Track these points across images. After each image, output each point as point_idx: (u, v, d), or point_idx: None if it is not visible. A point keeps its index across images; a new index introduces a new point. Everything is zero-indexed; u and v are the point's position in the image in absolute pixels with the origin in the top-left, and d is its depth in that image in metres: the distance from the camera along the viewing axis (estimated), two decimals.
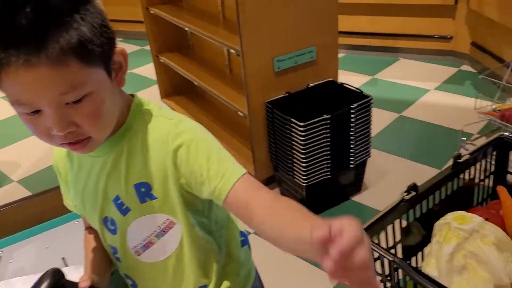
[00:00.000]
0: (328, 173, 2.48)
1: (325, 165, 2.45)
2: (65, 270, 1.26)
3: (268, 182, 2.85)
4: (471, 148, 2.83)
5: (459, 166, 1.05)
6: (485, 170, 1.14)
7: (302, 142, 2.31)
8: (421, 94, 3.83)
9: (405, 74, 4.23)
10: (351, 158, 2.53)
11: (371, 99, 2.47)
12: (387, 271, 0.87)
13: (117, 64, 0.83)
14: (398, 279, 0.90)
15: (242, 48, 2.39)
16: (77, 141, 0.80)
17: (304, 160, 2.36)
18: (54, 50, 0.69)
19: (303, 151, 2.34)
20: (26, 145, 3.62)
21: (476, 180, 1.12)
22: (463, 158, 1.04)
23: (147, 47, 3.67)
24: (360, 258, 0.54)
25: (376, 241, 0.89)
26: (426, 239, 1.00)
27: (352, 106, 2.39)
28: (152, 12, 3.50)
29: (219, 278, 1.02)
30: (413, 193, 0.93)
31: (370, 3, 4.39)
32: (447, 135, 3.20)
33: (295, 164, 2.44)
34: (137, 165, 0.89)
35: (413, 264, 1.04)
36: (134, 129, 0.89)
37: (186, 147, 0.85)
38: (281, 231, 0.74)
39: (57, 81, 0.71)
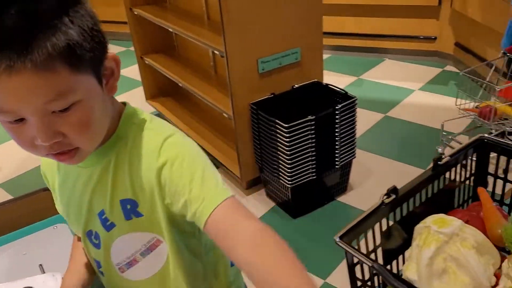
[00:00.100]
0: (313, 174, 2.47)
1: (310, 166, 2.44)
2: (42, 277, 1.24)
3: (254, 183, 2.85)
4: (453, 143, 2.91)
5: (439, 168, 1.05)
6: (466, 171, 1.13)
7: (287, 143, 2.31)
8: (406, 94, 3.85)
9: (390, 74, 4.24)
10: (336, 159, 2.53)
11: (356, 100, 2.47)
12: (367, 276, 0.87)
13: (108, 70, 0.78)
14: (379, 284, 0.90)
15: (226, 49, 2.38)
16: (64, 152, 0.75)
17: (289, 161, 2.36)
18: (40, 54, 0.64)
19: (288, 152, 2.33)
20: (8, 148, 3.57)
21: (457, 182, 1.12)
22: (444, 160, 1.04)
23: (132, 48, 3.64)
24: None
25: (356, 246, 0.88)
26: (407, 242, 0.99)
27: (337, 107, 2.39)
28: (136, 13, 3.47)
29: None
30: (393, 196, 0.93)
31: (354, 4, 4.40)
32: (432, 135, 3.21)
33: (280, 165, 2.43)
34: (123, 180, 0.84)
35: (394, 267, 1.03)
36: (123, 141, 0.85)
37: (170, 165, 0.80)
38: (263, 277, 0.69)
39: (43, 88, 0.66)
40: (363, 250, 0.90)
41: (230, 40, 2.36)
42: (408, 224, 0.99)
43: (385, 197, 0.92)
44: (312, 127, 2.33)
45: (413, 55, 4.44)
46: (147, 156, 0.82)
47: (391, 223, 0.97)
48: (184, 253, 0.91)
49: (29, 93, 0.66)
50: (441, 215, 0.95)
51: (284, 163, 2.40)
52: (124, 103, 0.89)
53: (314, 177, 2.49)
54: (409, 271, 0.90)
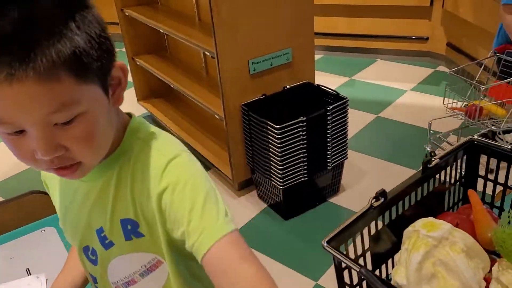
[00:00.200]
0: (305, 175, 2.47)
1: (302, 167, 2.43)
2: (26, 280, 1.23)
3: (246, 184, 2.84)
4: (444, 145, 2.91)
5: (429, 170, 1.04)
6: (456, 173, 1.13)
7: (278, 145, 2.30)
8: (398, 95, 3.85)
9: (382, 75, 4.25)
10: (328, 160, 2.53)
11: (347, 100, 2.47)
12: (355, 281, 0.86)
13: (115, 80, 0.74)
14: None
15: (217, 50, 2.37)
16: (65, 167, 0.71)
17: (280, 163, 2.35)
18: (44, 62, 0.59)
19: (279, 154, 2.32)
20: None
21: (447, 184, 1.11)
22: (433, 162, 1.03)
23: (123, 49, 3.62)
24: None
25: (344, 250, 0.87)
26: (397, 246, 0.98)
27: (328, 108, 2.38)
28: (127, 13, 3.45)
29: None
30: (382, 200, 0.92)
31: (346, 4, 4.40)
32: (424, 135, 3.21)
33: (272, 167, 2.42)
34: (125, 199, 0.80)
35: (384, 272, 1.02)
36: (126, 157, 0.80)
37: (171, 190, 0.75)
38: None
39: (45, 99, 0.61)
40: (352, 254, 0.90)
41: (220, 41, 2.35)
42: (397, 228, 0.98)
43: (373, 200, 0.91)
44: (304, 128, 2.33)
45: (405, 55, 4.44)
46: (150, 178, 0.77)
47: (380, 226, 0.96)
48: (185, 275, 0.87)
49: (31, 103, 0.61)
50: (430, 219, 0.94)
51: (275, 165, 2.39)
52: (129, 115, 0.84)
53: (305, 179, 2.48)
54: (398, 276, 0.89)
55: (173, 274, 0.85)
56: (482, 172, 1.14)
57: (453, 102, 2.78)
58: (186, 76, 3.23)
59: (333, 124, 2.44)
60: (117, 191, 0.80)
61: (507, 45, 2.75)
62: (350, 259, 0.80)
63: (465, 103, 2.76)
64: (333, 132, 2.46)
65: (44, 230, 1.44)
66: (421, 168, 1.04)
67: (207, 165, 2.95)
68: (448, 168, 1.10)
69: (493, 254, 0.99)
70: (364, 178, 2.89)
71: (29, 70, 0.59)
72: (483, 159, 1.14)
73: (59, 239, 1.40)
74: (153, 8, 3.49)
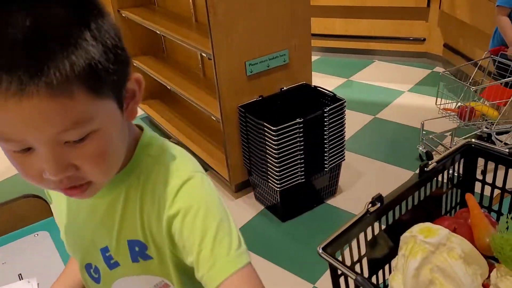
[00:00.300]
0: (302, 177, 2.45)
1: (299, 169, 2.42)
2: (17, 284, 1.21)
3: (243, 186, 2.82)
4: (432, 142, 2.90)
5: (426, 174, 1.03)
6: (453, 177, 1.11)
7: (275, 147, 2.29)
8: (395, 96, 3.84)
9: (380, 76, 4.24)
10: (325, 162, 2.52)
11: (345, 102, 2.46)
12: (352, 287, 0.84)
13: (130, 92, 0.68)
14: None
15: (213, 51, 2.36)
16: (75, 186, 0.66)
17: (277, 165, 2.34)
18: (57, 76, 0.54)
19: (276, 156, 2.31)
20: None
21: (444, 188, 1.10)
22: (430, 166, 1.02)
23: None
24: None
25: (340, 256, 0.85)
26: (394, 251, 0.97)
27: (325, 110, 2.37)
28: (124, 15, 3.43)
29: None
30: (378, 204, 0.90)
31: (344, 6, 4.39)
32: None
33: (269, 169, 2.41)
34: (133, 219, 0.75)
35: (380, 277, 1.01)
36: (136, 175, 0.75)
37: (182, 216, 0.71)
38: None
39: (57, 116, 0.56)
40: (348, 260, 0.88)
41: (217, 43, 2.34)
42: (394, 233, 0.96)
43: (370, 205, 0.89)
44: (301, 130, 2.32)
45: (402, 56, 4.44)
46: (160, 201, 0.72)
47: (376, 231, 0.95)
48: None
49: (41, 121, 0.56)
50: (428, 224, 0.93)
51: (272, 166, 2.37)
52: (140, 127, 0.79)
53: (303, 180, 2.47)
54: (395, 282, 0.88)
55: None
56: (479, 175, 1.13)
57: (445, 103, 2.78)
58: (183, 78, 3.21)
59: (330, 126, 2.43)
60: (125, 210, 0.76)
61: (502, 47, 2.75)
62: (346, 266, 0.78)
63: (458, 104, 2.76)
64: (330, 134, 2.45)
65: (37, 235, 1.42)
66: (418, 171, 1.02)
67: (204, 167, 2.92)
68: (446, 172, 1.09)
69: (491, 259, 0.97)
70: (362, 179, 2.88)
71: (41, 84, 0.54)
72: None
73: (52, 243, 1.38)
74: (150, 10, 3.48)
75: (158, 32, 3.12)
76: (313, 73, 2.77)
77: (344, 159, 2.64)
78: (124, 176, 0.75)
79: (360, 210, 0.92)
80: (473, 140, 1.09)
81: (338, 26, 4.55)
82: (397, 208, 0.99)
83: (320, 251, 0.82)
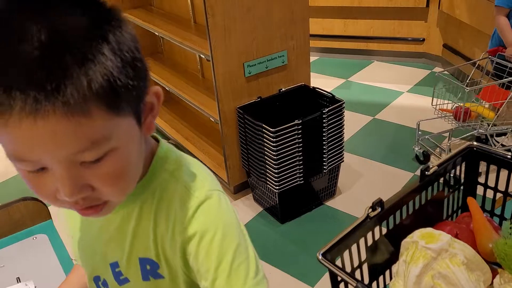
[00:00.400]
0: (301, 178, 2.45)
1: (297, 171, 2.41)
2: (16, 287, 1.20)
3: (241, 188, 2.82)
4: (428, 143, 2.89)
5: (427, 178, 1.01)
6: (455, 181, 1.10)
7: (274, 148, 2.28)
8: (395, 96, 3.84)
9: (379, 76, 4.23)
10: (324, 163, 2.51)
11: (343, 103, 2.45)
12: None
13: (148, 105, 0.65)
14: None
15: (212, 53, 2.35)
16: (91, 207, 0.63)
17: (276, 166, 2.33)
18: (74, 95, 0.51)
19: (275, 157, 2.30)
20: None
21: (446, 192, 1.09)
22: (431, 170, 1.01)
23: None
24: None
25: (340, 263, 0.84)
26: (394, 256, 0.96)
27: (324, 111, 2.36)
28: None
29: None
30: (378, 209, 0.89)
31: (342, 6, 4.38)
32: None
33: (268, 170, 2.40)
34: (146, 237, 0.72)
35: (381, 283, 1.00)
36: (151, 190, 0.72)
37: (198, 239, 0.68)
38: None
39: (73, 137, 0.53)
40: (348, 265, 0.87)
41: (215, 44, 2.33)
42: (394, 238, 0.95)
43: (370, 210, 0.88)
44: (299, 132, 2.31)
45: (401, 57, 4.43)
46: (176, 220, 0.69)
47: (377, 236, 0.94)
48: None
49: (57, 142, 0.53)
50: (429, 229, 0.92)
51: (271, 168, 2.36)
52: (156, 139, 0.76)
53: (301, 182, 2.46)
54: None
55: None
56: (481, 179, 1.12)
57: (441, 104, 2.77)
58: (181, 79, 3.20)
59: (329, 127, 2.42)
60: (138, 227, 0.73)
61: (500, 47, 2.74)
62: (346, 272, 0.77)
63: (455, 105, 2.76)
64: (329, 135, 2.44)
65: (35, 238, 1.41)
66: (417, 172, 1.01)
67: None
68: (447, 175, 1.07)
69: (494, 265, 0.96)
70: (361, 180, 2.87)
71: (57, 104, 0.50)
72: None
73: (50, 246, 1.38)
74: (149, 11, 3.47)
75: (157, 34, 3.11)
76: (311, 74, 2.76)
77: (343, 161, 2.63)
78: (138, 191, 0.71)
79: (359, 212, 0.91)
80: (474, 143, 1.08)
81: (337, 26, 4.54)
82: (398, 212, 0.98)
83: (320, 257, 0.80)
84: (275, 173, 2.35)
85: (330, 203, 2.71)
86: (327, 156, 2.49)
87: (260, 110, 2.49)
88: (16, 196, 1.57)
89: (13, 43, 0.51)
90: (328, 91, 2.55)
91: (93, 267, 0.83)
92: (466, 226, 1.01)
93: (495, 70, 2.75)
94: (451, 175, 1.09)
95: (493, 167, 1.08)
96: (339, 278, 0.80)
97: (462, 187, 1.13)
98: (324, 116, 2.37)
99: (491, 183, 1.10)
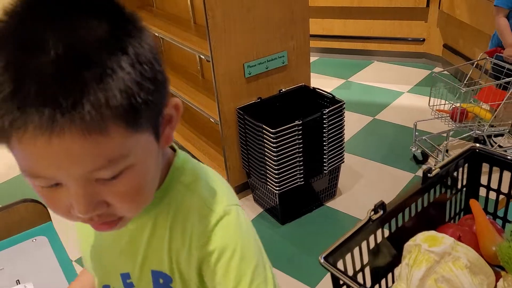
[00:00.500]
0: (301, 179, 2.44)
1: (298, 172, 2.41)
2: None
3: (242, 188, 2.81)
4: (425, 143, 2.88)
5: (429, 181, 1.01)
6: (457, 183, 1.10)
7: (274, 149, 2.27)
8: (395, 97, 3.83)
9: (379, 77, 4.22)
10: (324, 164, 2.50)
11: (344, 104, 2.44)
12: None
13: (166, 117, 0.62)
14: None
15: (211, 54, 2.34)
16: (105, 222, 0.61)
17: (276, 167, 2.32)
18: (91, 113, 0.48)
19: (275, 158, 2.29)
20: None
21: (448, 194, 1.08)
22: (434, 172, 1.00)
23: None
24: None
25: (342, 266, 0.83)
26: (397, 259, 0.95)
27: (324, 112, 2.35)
28: None
29: None
30: (381, 212, 0.88)
31: (342, 6, 4.37)
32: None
33: (268, 171, 2.39)
34: (160, 250, 0.70)
35: (383, 286, 0.99)
36: (165, 203, 0.69)
37: (216, 258, 0.66)
38: None
39: (90, 156, 0.51)
40: (350, 268, 0.87)
41: (215, 45, 2.33)
42: (397, 240, 0.95)
43: (372, 213, 0.88)
44: (300, 132, 2.30)
45: (401, 57, 4.42)
46: (193, 236, 0.67)
47: (379, 239, 0.93)
48: None
49: (73, 160, 0.52)
50: (432, 232, 0.91)
51: (271, 169, 2.36)
52: (173, 148, 0.73)
53: (302, 183, 2.45)
54: None
55: None
56: (484, 181, 1.11)
57: (439, 105, 2.76)
58: (181, 80, 3.20)
59: (329, 128, 2.41)
60: (152, 239, 0.71)
61: (498, 48, 2.73)
62: (349, 276, 0.77)
63: (452, 106, 2.75)
64: (329, 136, 2.44)
65: (35, 240, 1.41)
66: (418, 173, 1.00)
67: None
68: (449, 177, 1.07)
69: (498, 267, 0.96)
70: (361, 181, 2.86)
71: (74, 122, 0.48)
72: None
73: (50, 248, 1.37)
74: (149, 12, 3.47)
75: (157, 34, 3.10)
76: (311, 74, 2.76)
77: (344, 161, 2.62)
78: (153, 202, 0.68)
79: (360, 213, 0.90)
80: (477, 145, 1.08)
81: (337, 26, 4.53)
82: (400, 215, 0.97)
83: (322, 260, 0.80)
84: (275, 174, 2.34)
85: (330, 204, 2.70)
86: (328, 156, 2.48)
87: (260, 110, 2.49)
88: (18, 197, 1.56)
89: (28, 56, 0.48)
90: (328, 91, 2.55)
91: (103, 276, 0.82)
92: (469, 228, 1.00)
93: (493, 71, 2.74)
94: (454, 177, 1.08)
95: (495, 169, 1.07)
96: (341, 282, 0.79)
97: (464, 189, 1.13)
98: (324, 116, 2.36)
99: (494, 185, 1.09)
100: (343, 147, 2.57)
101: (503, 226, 1.08)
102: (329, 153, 2.48)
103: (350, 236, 0.84)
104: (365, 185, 2.83)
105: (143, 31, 0.56)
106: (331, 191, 2.71)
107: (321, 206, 2.68)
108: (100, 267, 0.81)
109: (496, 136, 2.88)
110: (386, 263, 0.97)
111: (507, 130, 2.76)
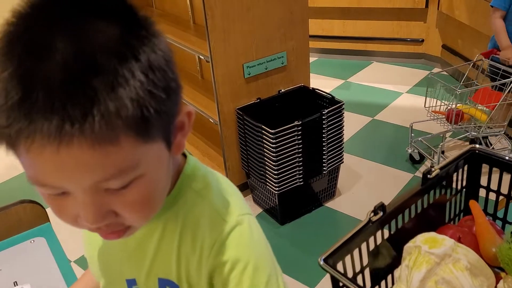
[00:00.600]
0: (301, 179, 2.44)
1: (297, 172, 2.40)
2: None
3: (241, 189, 2.78)
4: (421, 144, 2.87)
5: (429, 182, 1.00)
6: (457, 184, 1.09)
7: (274, 149, 2.27)
8: (394, 97, 3.83)
9: (378, 77, 4.22)
10: (324, 164, 2.50)
11: (343, 104, 2.44)
12: None
13: (178, 124, 0.60)
14: None
15: (211, 54, 2.34)
16: (113, 231, 0.60)
17: (275, 168, 2.32)
18: (101, 123, 0.46)
19: (274, 159, 2.29)
20: None
21: (448, 196, 1.08)
22: (434, 173, 1.00)
23: None
24: None
25: (341, 267, 0.83)
26: (397, 261, 0.95)
27: (323, 112, 2.35)
28: None
29: None
30: (380, 213, 0.88)
31: (341, 7, 4.37)
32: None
33: (267, 172, 2.39)
34: (169, 258, 0.68)
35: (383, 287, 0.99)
36: (175, 209, 0.68)
37: (228, 269, 0.65)
38: None
39: (99, 166, 0.50)
40: (350, 270, 0.86)
41: (215, 45, 2.32)
42: (397, 242, 0.94)
43: (372, 214, 0.87)
44: (299, 133, 2.30)
45: (400, 57, 4.42)
46: (204, 245, 0.66)
47: (379, 241, 0.93)
48: None
49: (81, 171, 0.50)
50: (432, 234, 0.91)
51: (270, 169, 2.35)
52: (184, 154, 0.71)
53: (301, 183, 2.45)
54: None
55: None
56: (484, 182, 1.11)
57: (435, 106, 2.76)
58: (181, 80, 3.19)
59: (328, 128, 2.41)
60: (160, 246, 0.69)
61: (494, 49, 2.73)
62: (348, 278, 0.76)
63: (448, 107, 2.74)
64: (328, 136, 2.43)
65: (33, 241, 1.40)
66: (416, 173, 1.00)
67: None
68: (449, 179, 1.06)
69: (498, 269, 0.95)
70: (360, 181, 2.86)
71: (83, 132, 0.46)
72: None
73: (48, 250, 1.36)
74: (148, 12, 3.46)
75: None
76: (311, 74, 2.76)
77: (343, 162, 2.62)
78: (163, 209, 0.66)
79: (359, 213, 0.90)
80: (477, 146, 1.07)
81: (336, 27, 4.53)
82: (400, 216, 0.97)
83: (322, 262, 0.79)
84: (274, 174, 2.34)
85: (329, 204, 2.70)
86: (327, 157, 2.48)
87: (260, 111, 2.49)
88: (16, 197, 1.56)
89: (36, 62, 0.47)
90: (328, 92, 2.54)
91: (108, 281, 0.80)
92: (468, 229, 1.00)
93: (489, 72, 2.74)
94: (453, 178, 1.08)
95: (495, 170, 1.07)
96: (341, 284, 0.79)
97: (464, 190, 1.12)
98: (323, 117, 2.36)
99: (494, 186, 1.09)
100: (343, 147, 2.57)
101: (503, 227, 1.07)
102: (329, 154, 2.48)
103: (350, 237, 0.84)
104: (364, 185, 2.82)
105: (157, 36, 0.54)
106: (331, 192, 2.71)
107: (321, 207, 2.68)
108: (106, 272, 0.80)
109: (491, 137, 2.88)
110: (386, 264, 0.96)
111: (503, 132, 2.76)
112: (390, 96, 3.84)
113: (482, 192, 1.14)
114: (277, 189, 2.38)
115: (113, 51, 0.48)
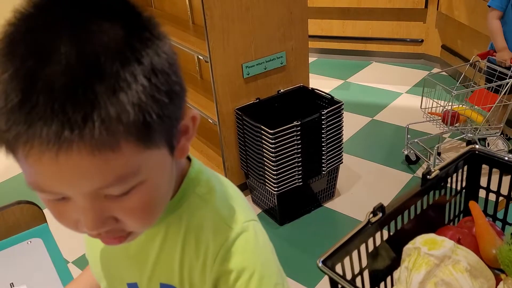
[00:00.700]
0: (300, 180, 2.43)
1: (296, 173, 2.40)
2: None
3: (240, 189, 2.77)
4: (417, 146, 2.86)
5: (428, 183, 1.00)
6: (457, 185, 1.09)
7: (273, 150, 2.26)
8: (393, 97, 3.82)
9: (377, 77, 4.22)
10: (323, 165, 2.49)
11: (342, 104, 2.43)
12: None
13: (182, 128, 0.59)
14: None
15: (210, 54, 2.33)
16: (114, 237, 0.59)
17: (274, 168, 2.31)
18: (102, 129, 0.45)
19: (273, 159, 2.28)
20: None
21: (447, 196, 1.07)
22: (433, 174, 0.99)
23: None
24: None
25: (340, 269, 0.82)
26: (396, 262, 0.94)
27: (323, 112, 2.34)
28: None
29: None
30: (380, 215, 0.87)
31: (341, 7, 4.37)
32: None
33: (266, 172, 2.38)
34: (171, 264, 0.67)
35: None
36: (178, 213, 0.66)
37: (234, 278, 0.63)
38: None
39: (99, 172, 0.49)
40: (349, 272, 0.85)
41: (214, 45, 2.32)
42: (396, 243, 0.94)
43: (371, 215, 0.86)
44: (298, 133, 2.29)
45: (400, 57, 4.42)
46: (208, 252, 0.64)
47: (378, 242, 0.92)
48: None
49: (81, 178, 0.49)
50: (432, 235, 0.90)
51: (269, 170, 2.35)
52: (189, 158, 0.69)
53: (300, 184, 2.44)
54: None
55: None
56: (483, 183, 1.10)
57: (431, 107, 2.75)
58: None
59: (328, 128, 2.40)
60: (162, 251, 0.68)
61: (491, 51, 2.72)
62: (347, 280, 0.75)
63: (444, 108, 2.74)
64: (328, 137, 2.43)
65: (30, 242, 1.39)
66: (416, 174, 0.99)
67: None
68: (449, 180, 1.06)
69: (498, 270, 0.95)
70: (360, 182, 2.86)
71: (82, 138, 0.45)
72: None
73: (45, 251, 1.35)
74: (147, 12, 3.45)
75: None
76: (310, 74, 2.75)
77: (342, 162, 2.61)
78: (165, 214, 0.65)
79: (358, 214, 0.90)
80: (477, 146, 1.07)
81: (336, 27, 4.52)
82: (399, 217, 0.96)
83: (320, 264, 0.79)
84: (273, 174, 2.33)
85: (329, 204, 2.69)
86: (326, 157, 2.48)
87: (259, 111, 2.48)
88: (13, 198, 1.55)
89: (38, 64, 0.46)
90: (327, 92, 2.54)
91: (109, 283, 0.79)
92: (468, 231, 0.99)
93: (486, 74, 2.73)
94: (453, 179, 1.07)
95: (495, 170, 1.06)
96: (339, 286, 0.78)
97: (464, 191, 1.12)
98: (323, 117, 2.35)
99: (494, 186, 1.08)
100: (342, 147, 2.56)
101: (503, 228, 1.07)
102: (328, 154, 2.48)
103: (349, 239, 0.83)
104: (363, 186, 2.82)
105: (161, 38, 0.53)
106: (330, 192, 2.70)
107: (320, 207, 2.68)
108: (107, 275, 0.79)
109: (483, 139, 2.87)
110: (385, 266, 0.95)
111: (499, 133, 2.76)
112: (390, 97, 3.84)
113: (482, 193, 1.13)
114: (276, 189, 2.37)
115: (116, 54, 0.47)
